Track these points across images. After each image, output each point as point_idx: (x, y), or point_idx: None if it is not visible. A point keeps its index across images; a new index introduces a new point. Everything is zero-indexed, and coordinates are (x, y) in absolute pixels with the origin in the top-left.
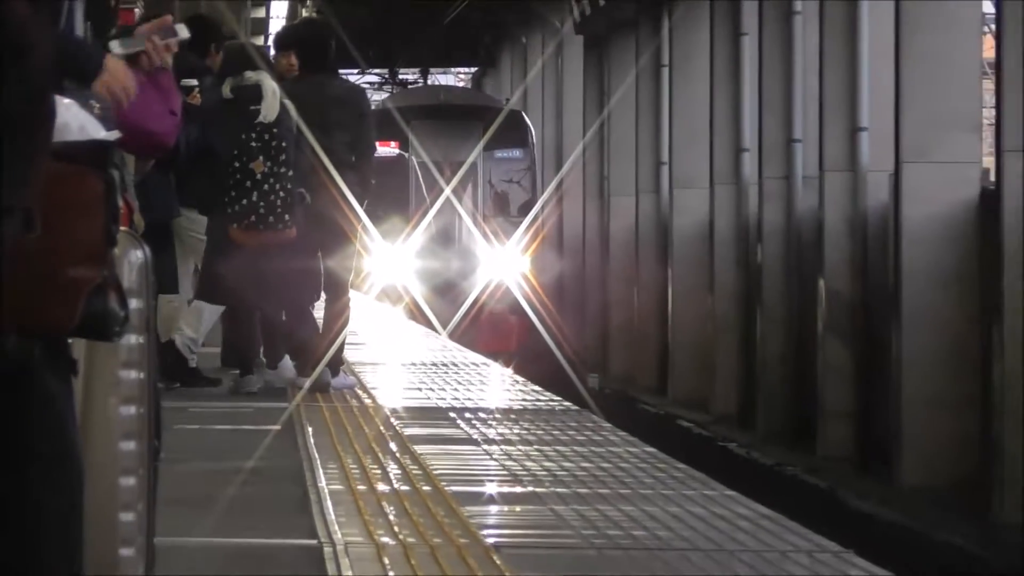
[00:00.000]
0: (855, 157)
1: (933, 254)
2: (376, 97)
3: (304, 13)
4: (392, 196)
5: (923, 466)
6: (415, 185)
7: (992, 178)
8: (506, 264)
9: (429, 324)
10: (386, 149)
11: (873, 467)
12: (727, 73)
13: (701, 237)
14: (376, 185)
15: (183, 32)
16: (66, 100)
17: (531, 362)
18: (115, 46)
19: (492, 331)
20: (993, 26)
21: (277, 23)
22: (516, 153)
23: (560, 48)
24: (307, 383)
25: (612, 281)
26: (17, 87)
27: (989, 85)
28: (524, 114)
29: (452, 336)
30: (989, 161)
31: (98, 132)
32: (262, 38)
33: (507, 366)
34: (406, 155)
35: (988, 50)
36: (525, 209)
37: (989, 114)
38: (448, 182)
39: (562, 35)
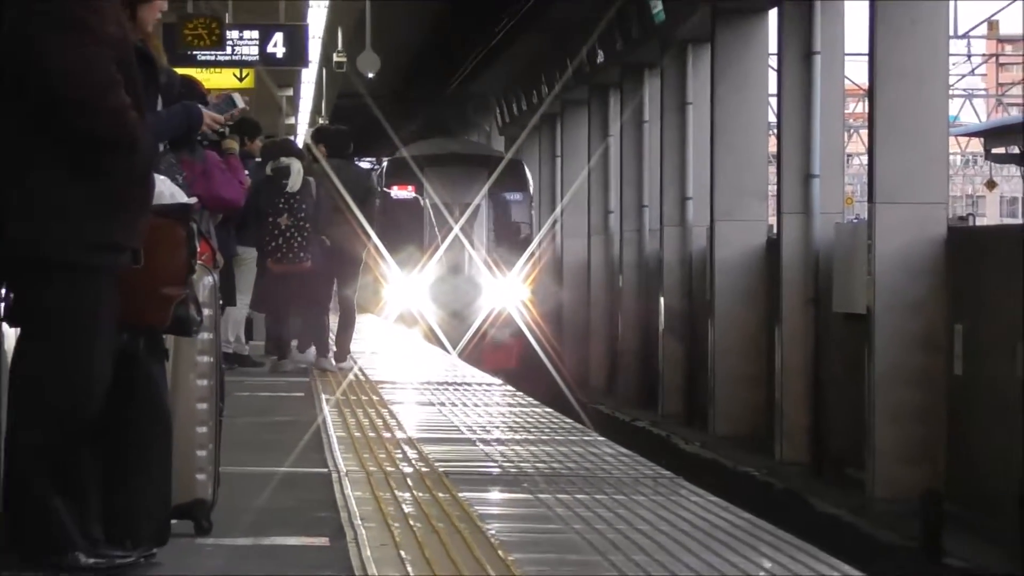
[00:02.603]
0: (684, 216)
1: (736, 280)
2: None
3: (320, 120)
4: (408, 232)
5: (729, 422)
6: (428, 223)
7: (774, 231)
8: (505, 291)
9: (441, 345)
10: (403, 192)
11: (695, 422)
12: (600, 160)
13: (582, 270)
14: (395, 222)
15: (240, 103)
16: (160, 176)
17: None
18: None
19: (490, 345)
20: (775, 130)
21: (302, 127)
22: (517, 196)
23: (489, 143)
24: (331, 365)
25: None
26: (128, 171)
27: (773, 169)
28: (523, 162)
29: (462, 355)
30: (772, 219)
31: (182, 198)
32: (292, 136)
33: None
34: (421, 197)
35: (772, 146)
36: (524, 244)
37: (773, 188)
38: (457, 221)
39: (489, 135)
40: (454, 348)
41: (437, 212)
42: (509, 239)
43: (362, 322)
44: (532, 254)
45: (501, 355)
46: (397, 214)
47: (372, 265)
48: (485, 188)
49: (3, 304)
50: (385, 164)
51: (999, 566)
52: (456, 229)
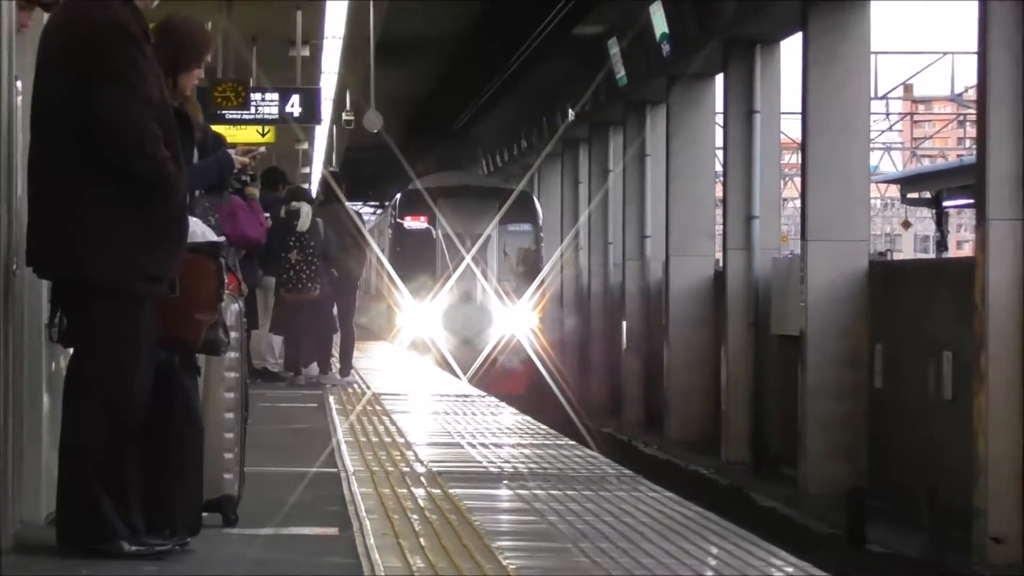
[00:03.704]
0: (643, 252)
1: (688, 307)
2: (371, 218)
3: (330, 167)
4: (421, 262)
5: (682, 428)
6: (441, 253)
7: (721, 264)
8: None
9: (452, 371)
10: (416, 223)
11: (653, 428)
12: (571, 203)
13: (556, 298)
14: (408, 252)
15: (260, 148)
16: (193, 218)
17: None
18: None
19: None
20: (721, 178)
21: (316, 175)
22: (525, 227)
23: None
24: (333, 381)
25: None
26: (166, 213)
27: (719, 211)
28: (533, 195)
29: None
30: (719, 254)
31: (212, 236)
32: (307, 183)
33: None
34: (433, 228)
35: (718, 191)
36: (533, 273)
37: (719, 227)
38: (469, 251)
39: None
40: (464, 374)
41: (449, 242)
42: (518, 268)
43: (374, 348)
44: (542, 282)
45: (510, 381)
46: (410, 244)
47: (385, 294)
48: (496, 219)
49: (59, 327)
50: (398, 196)
51: (914, 550)
52: (468, 259)
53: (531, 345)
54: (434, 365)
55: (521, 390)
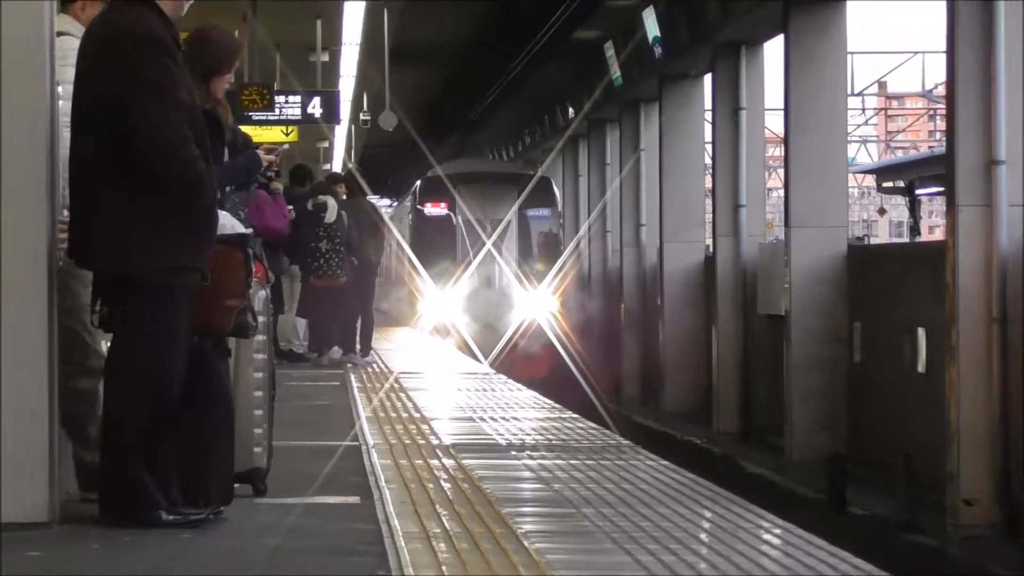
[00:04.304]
0: (639, 239)
1: (681, 289)
2: (387, 211)
3: (350, 164)
4: (442, 248)
5: (676, 400)
6: (461, 238)
7: (711, 250)
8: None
9: (473, 355)
10: (437, 209)
11: (650, 401)
12: (572, 193)
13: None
14: (429, 238)
15: (284, 146)
16: (223, 212)
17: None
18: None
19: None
20: (711, 170)
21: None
22: (545, 212)
23: None
24: (355, 361)
25: None
26: (196, 210)
27: (709, 200)
28: (551, 180)
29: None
30: (709, 240)
31: (240, 228)
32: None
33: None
34: (453, 214)
35: (708, 182)
36: (553, 257)
37: (709, 216)
38: (489, 236)
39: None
40: (485, 358)
41: (469, 228)
42: (538, 252)
43: (396, 333)
44: (562, 266)
45: (531, 364)
46: (430, 230)
47: (407, 280)
48: (516, 204)
49: (99, 313)
50: (419, 183)
51: (892, 513)
52: (488, 244)
53: (551, 329)
54: (455, 349)
55: (542, 373)
